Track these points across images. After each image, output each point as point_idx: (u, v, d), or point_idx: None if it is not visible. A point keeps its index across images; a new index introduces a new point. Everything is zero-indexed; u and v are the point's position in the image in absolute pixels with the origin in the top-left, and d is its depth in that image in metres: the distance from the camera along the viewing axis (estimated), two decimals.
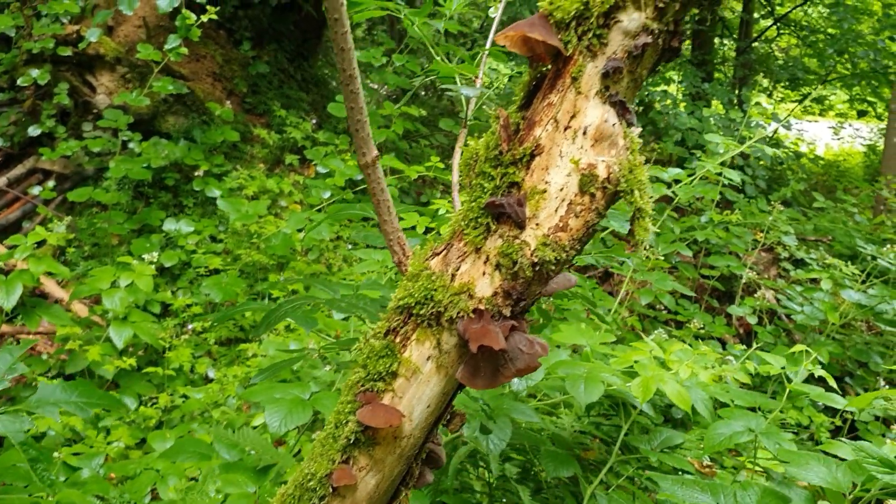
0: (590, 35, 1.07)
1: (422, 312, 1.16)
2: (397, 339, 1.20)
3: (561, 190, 1.10)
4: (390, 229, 1.25)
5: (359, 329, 3.08)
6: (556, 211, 1.10)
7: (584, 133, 1.09)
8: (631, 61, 1.08)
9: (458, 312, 1.13)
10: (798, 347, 2.85)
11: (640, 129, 1.12)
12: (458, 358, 1.17)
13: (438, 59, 1.62)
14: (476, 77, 1.61)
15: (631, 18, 1.05)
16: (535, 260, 1.10)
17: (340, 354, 2.70)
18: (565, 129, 1.10)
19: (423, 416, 1.21)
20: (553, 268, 1.11)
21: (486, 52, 1.63)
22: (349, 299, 1.58)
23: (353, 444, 1.23)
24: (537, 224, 1.10)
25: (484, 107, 1.80)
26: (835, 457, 2.29)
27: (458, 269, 1.15)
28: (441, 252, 1.19)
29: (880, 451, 1.49)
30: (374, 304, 1.55)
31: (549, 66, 1.14)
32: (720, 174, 4.42)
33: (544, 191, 1.10)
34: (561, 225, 1.10)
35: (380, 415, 1.15)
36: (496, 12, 1.69)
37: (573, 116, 1.09)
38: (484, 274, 1.13)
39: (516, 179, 1.12)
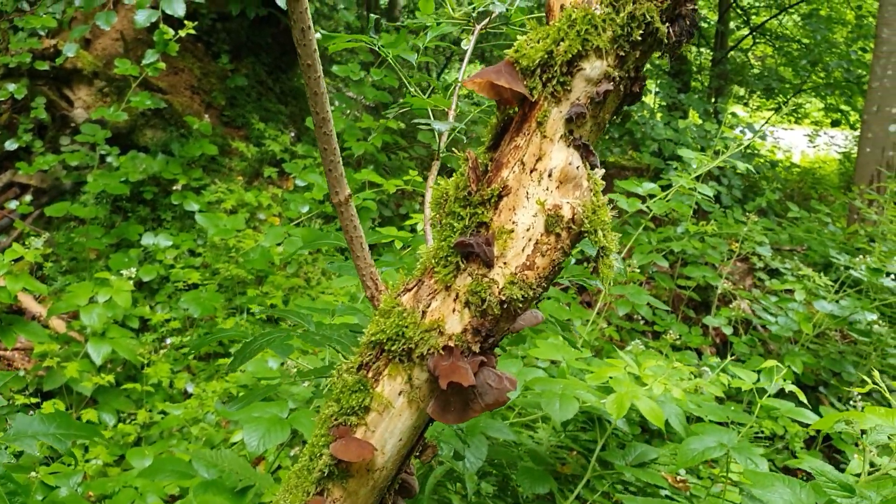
0: (554, 82, 1.11)
1: (393, 348, 1.19)
2: (370, 374, 1.23)
3: (528, 230, 1.13)
4: (363, 265, 1.28)
5: (334, 357, 3.11)
6: (523, 250, 1.13)
7: (550, 175, 1.13)
8: (594, 107, 1.12)
9: (429, 349, 1.16)
10: (770, 363, 2.90)
11: (602, 171, 1.16)
12: (429, 392, 1.20)
13: (413, 89, 1.66)
14: (449, 109, 1.65)
15: (593, 67, 1.09)
16: (503, 298, 1.13)
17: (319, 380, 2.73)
18: (531, 171, 1.13)
19: (395, 449, 1.24)
20: (520, 305, 1.15)
21: (459, 84, 1.67)
22: (323, 330, 1.61)
23: (327, 476, 1.26)
24: (505, 263, 1.14)
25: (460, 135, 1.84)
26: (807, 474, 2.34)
27: (428, 306, 1.19)
28: (412, 288, 1.23)
29: (839, 475, 1.53)
30: (348, 337, 1.58)
31: (517, 109, 1.18)
32: (694, 188, 4.48)
33: (512, 231, 1.14)
34: (528, 264, 1.13)
35: (353, 449, 1.18)
36: (468, 44, 1.73)
37: (539, 159, 1.13)
38: (454, 311, 1.17)
39: (485, 219, 1.15)
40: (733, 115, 11.45)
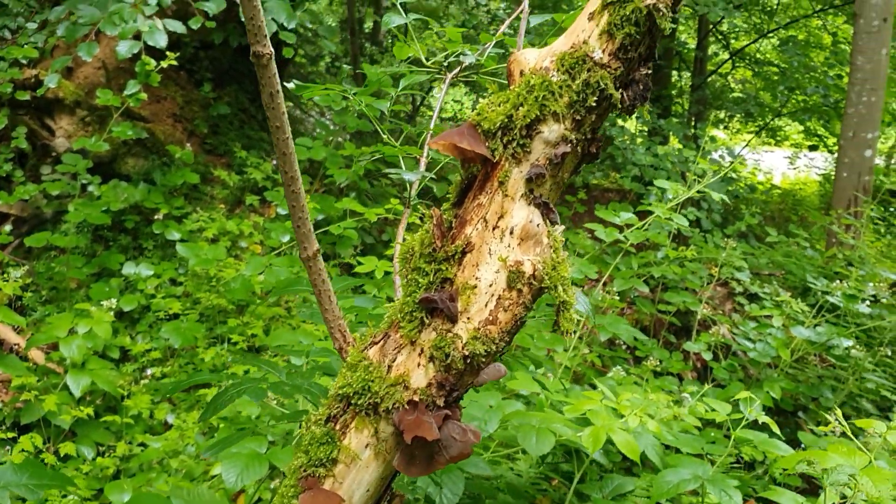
0: (514, 144, 1.15)
1: (360, 402, 1.22)
2: (337, 427, 1.26)
3: (490, 286, 1.17)
4: (331, 318, 1.31)
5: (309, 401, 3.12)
6: (486, 305, 1.17)
7: (511, 233, 1.16)
8: (552, 167, 1.16)
9: (394, 403, 1.19)
10: (744, 393, 2.94)
11: (563, 228, 1.20)
12: (395, 445, 1.23)
13: (385, 136, 1.70)
14: (420, 157, 1.69)
15: (551, 130, 1.13)
16: (467, 353, 1.17)
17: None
18: (494, 229, 1.17)
19: (362, 500, 1.26)
20: (484, 360, 1.18)
21: (430, 131, 1.71)
22: (294, 380, 1.63)
23: None
24: (468, 318, 1.17)
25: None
26: None
27: (394, 361, 1.22)
28: (379, 341, 1.26)
29: None
30: (317, 386, 1.61)
31: (480, 167, 1.22)
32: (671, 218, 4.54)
33: (475, 286, 1.17)
34: (491, 319, 1.17)
35: (320, 500, 1.20)
36: (440, 93, 1.77)
37: (501, 217, 1.17)
38: (419, 365, 1.20)
39: (449, 275, 1.19)
40: (712, 139, 11.58)
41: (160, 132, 6.63)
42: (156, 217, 5.89)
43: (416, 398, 1.19)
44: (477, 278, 1.17)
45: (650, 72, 1.16)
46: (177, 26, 5.37)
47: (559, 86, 1.13)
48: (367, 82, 3.68)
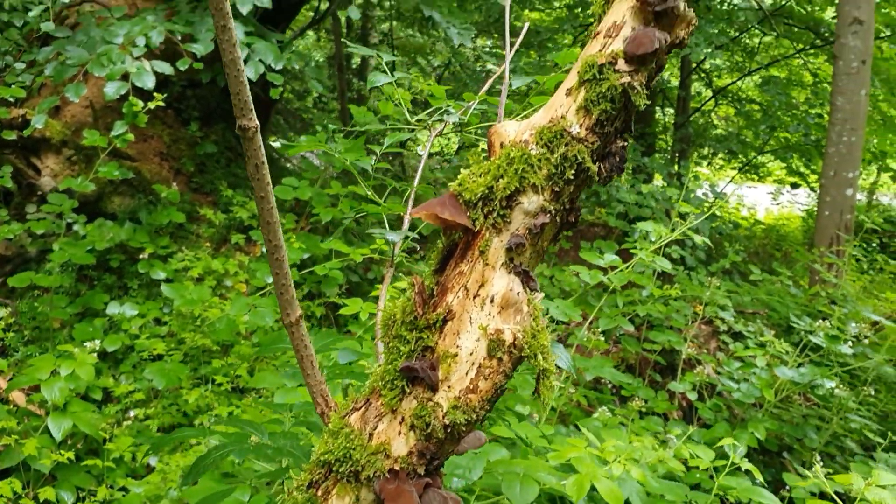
0: (495, 214, 1.17)
1: (341, 469, 1.23)
2: (319, 493, 1.27)
3: (471, 354, 1.19)
4: (314, 382, 1.32)
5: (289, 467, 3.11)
6: (466, 374, 1.18)
7: (492, 301, 1.18)
8: (532, 237, 1.18)
9: (375, 471, 1.20)
10: (727, 440, 2.95)
11: (542, 295, 1.22)
12: None
13: (369, 192, 1.72)
14: (404, 214, 1.72)
15: (530, 201, 1.16)
16: (447, 422, 1.18)
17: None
18: (475, 297, 1.19)
19: None
20: (464, 429, 1.19)
21: (414, 188, 1.74)
22: (277, 441, 1.63)
23: None
24: (449, 386, 1.19)
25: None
26: None
27: (375, 428, 1.23)
28: (360, 408, 1.27)
29: None
30: (300, 449, 1.61)
31: (461, 234, 1.24)
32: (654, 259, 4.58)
33: (456, 354, 1.19)
34: (471, 387, 1.18)
35: None
36: (424, 150, 1.80)
37: (482, 285, 1.19)
38: (399, 434, 1.21)
39: (430, 343, 1.20)
40: (696, 177, 11.69)
41: (147, 171, 6.64)
42: (141, 256, 5.89)
43: (396, 466, 1.20)
44: (458, 346, 1.19)
45: (626, 144, 1.20)
46: (165, 68, 5.41)
47: (538, 159, 1.16)
48: (354, 122, 3.70)
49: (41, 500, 4.01)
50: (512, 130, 1.22)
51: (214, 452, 1.60)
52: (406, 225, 1.73)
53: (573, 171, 1.16)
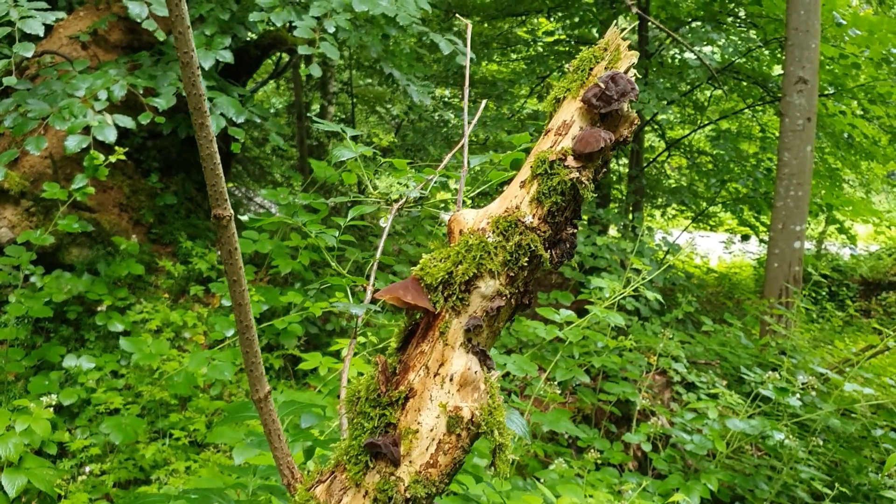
0: (454, 298, 1.26)
1: None
2: None
3: (431, 430, 1.26)
4: (280, 455, 1.38)
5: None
6: (426, 449, 1.26)
7: (451, 379, 1.26)
8: (489, 319, 1.27)
9: None
10: (678, 495, 3.04)
11: (498, 373, 1.30)
12: None
13: (334, 264, 1.80)
14: (367, 286, 1.79)
15: (487, 285, 1.25)
16: (409, 496, 1.25)
17: None
18: (435, 376, 1.27)
19: None
20: (424, 501, 1.26)
21: (376, 261, 1.82)
22: None
23: None
24: (410, 461, 1.26)
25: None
26: None
27: (339, 501, 1.29)
28: (326, 480, 1.33)
29: None
30: None
31: (422, 315, 1.32)
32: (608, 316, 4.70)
33: (417, 431, 1.26)
34: (431, 462, 1.26)
35: None
36: (386, 223, 1.89)
37: (441, 364, 1.27)
38: None
39: (392, 420, 1.28)
40: (650, 228, 11.94)
41: (106, 222, 6.63)
42: (99, 308, 5.86)
43: None
44: (419, 423, 1.26)
45: (576, 231, 1.29)
46: (127, 122, 5.45)
47: (494, 246, 1.25)
48: (314, 175, 3.78)
49: None
50: (470, 218, 1.32)
51: None
52: (368, 297, 1.80)
53: (527, 258, 1.26)
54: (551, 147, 1.29)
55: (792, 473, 5.27)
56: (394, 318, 6.73)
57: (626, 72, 1.27)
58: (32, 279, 5.71)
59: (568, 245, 1.29)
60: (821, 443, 5.41)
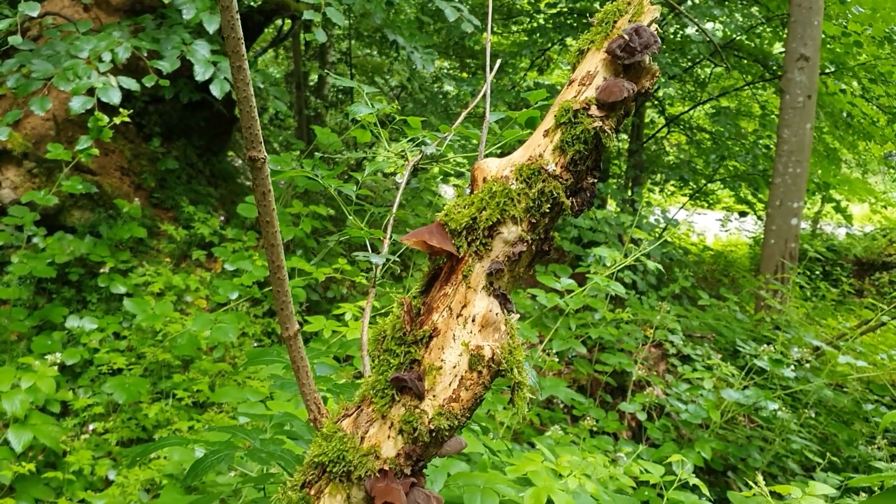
0: (477, 243, 1.31)
1: (334, 470, 1.35)
2: (312, 492, 1.38)
3: (454, 367, 1.32)
4: (308, 391, 1.43)
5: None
6: (449, 385, 1.31)
7: (473, 320, 1.32)
8: (510, 264, 1.32)
9: (366, 471, 1.32)
10: (676, 456, 3.11)
11: (517, 316, 1.35)
12: None
13: (351, 217, 1.85)
14: (384, 239, 1.84)
15: (510, 231, 1.30)
16: (432, 427, 1.31)
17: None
18: (458, 317, 1.32)
19: None
20: (447, 433, 1.33)
21: (392, 214, 1.86)
22: (268, 447, 1.74)
23: None
24: (434, 396, 1.32)
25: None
26: None
27: (366, 432, 1.35)
28: (352, 414, 1.39)
29: None
30: (289, 454, 1.72)
31: (445, 260, 1.37)
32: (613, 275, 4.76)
33: (440, 367, 1.32)
34: (454, 397, 1.31)
35: None
36: (402, 178, 1.93)
37: (464, 306, 1.32)
38: (389, 437, 1.34)
39: (417, 357, 1.34)
40: (648, 203, 12.00)
41: (108, 185, 6.66)
42: (101, 270, 5.90)
43: (385, 467, 1.32)
44: (442, 360, 1.32)
45: (596, 181, 1.34)
46: (131, 84, 5.46)
47: (517, 193, 1.30)
48: (317, 142, 3.82)
49: None
50: (493, 166, 1.37)
51: (211, 456, 1.69)
52: (386, 248, 1.85)
53: (549, 205, 1.31)
54: (575, 97, 1.34)
55: (783, 445, 5.36)
56: (396, 287, 6.78)
57: (648, 25, 1.31)
58: (35, 240, 5.74)
59: (588, 194, 1.34)
60: (813, 415, 5.50)
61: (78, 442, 4.72)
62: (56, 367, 4.67)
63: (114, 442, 4.88)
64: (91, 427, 4.88)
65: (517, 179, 1.32)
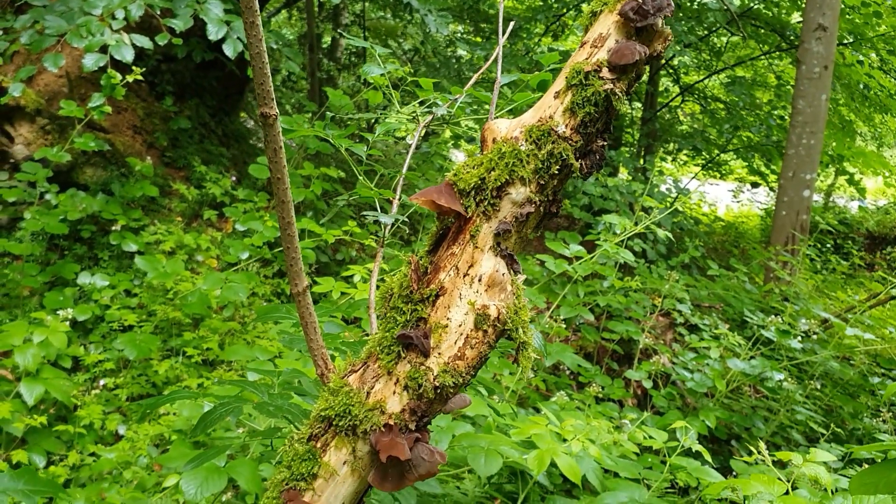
0: (485, 203, 1.32)
1: (341, 424, 1.37)
2: (318, 445, 1.41)
3: (460, 326, 1.33)
4: (315, 347, 1.45)
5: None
6: (455, 343, 1.33)
7: (480, 280, 1.33)
8: (518, 224, 1.33)
9: (372, 426, 1.35)
10: (679, 423, 3.14)
11: (524, 277, 1.36)
12: (369, 463, 1.38)
13: (362, 177, 1.85)
14: (394, 199, 1.85)
15: (518, 192, 1.31)
16: (437, 384, 1.33)
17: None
18: (464, 276, 1.34)
19: None
20: (452, 390, 1.34)
21: (402, 176, 1.87)
22: (276, 401, 1.77)
23: None
24: (439, 353, 1.33)
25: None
26: None
27: (372, 388, 1.37)
28: (359, 370, 1.41)
29: None
30: (297, 408, 1.75)
31: (453, 220, 1.38)
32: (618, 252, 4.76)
33: (446, 326, 1.34)
34: (459, 354, 1.33)
35: None
36: (412, 139, 1.93)
37: (471, 266, 1.33)
38: (394, 393, 1.36)
39: (423, 315, 1.35)
40: (660, 172, 11.94)
41: (120, 143, 6.67)
42: (113, 228, 5.94)
43: (390, 422, 1.35)
44: (448, 319, 1.34)
45: (605, 144, 1.35)
46: (144, 42, 5.44)
47: (527, 154, 1.31)
48: (329, 104, 3.81)
49: (14, 462, 4.09)
50: (503, 127, 1.37)
51: (220, 408, 1.72)
52: (395, 208, 1.86)
53: (558, 167, 1.31)
54: (587, 59, 1.33)
55: (788, 415, 5.38)
56: (405, 251, 6.80)
57: None
58: (47, 197, 5.78)
59: (598, 156, 1.34)
60: (818, 387, 5.51)
61: (89, 397, 4.79)
62: (68, 323, 4.73)
63: (124, 397, 4.95)
64: (102, 382, 4.95)
65: (527, 140, 1.32)
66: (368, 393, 1.38)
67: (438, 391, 1.34)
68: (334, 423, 1.38)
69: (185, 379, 4.97)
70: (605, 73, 1.30)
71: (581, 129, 1.32)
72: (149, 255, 5.66)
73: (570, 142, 1.31)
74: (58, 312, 4.77)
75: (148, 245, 5.99)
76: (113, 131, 6.75)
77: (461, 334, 1.34)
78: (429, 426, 1.40)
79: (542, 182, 1.32)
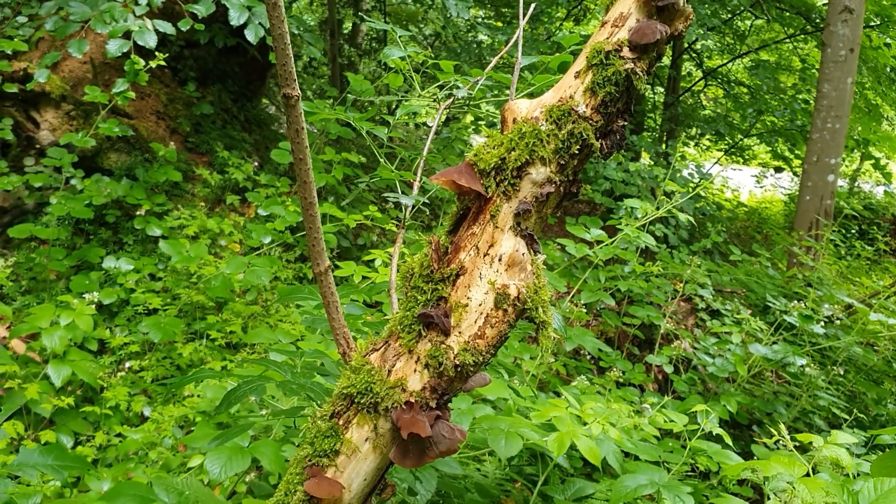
0: (506, 183, 1.33)
1: (362, 401, 1.39)
2: (340, 422, 1.43)
3: (480, 305, 1.35)
4: (337, 326, 1.47)
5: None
6: (475, 322, 1.34)
7: (500, 259, 1.34)
8: (538, 204, 1.34)
9: (393, 403, 1.37)
10: (700, 406, 3.14)
11: (544, 257, 1.37)
12: (391, 440, 1.40)
13: (383, 160, 1.87)
14: (414, 181, 1.86)
15: (538, 172, 1.31)
16: (457, 362, 1.34)
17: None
18: (485, 256, 1.35)
19: (360, 488, 1.43)
20: (472, 369, 1.36)
21: (423, 157, 1.88)
22: (299, 380, 1.79)
23: None
24: (460, 332, 1.35)
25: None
26: None
27: (393, 366, 1.39)
28: (380, 348, 1.43)
29: None
30: (319, 387, 1.77)
31: (474, 200, 1.39)
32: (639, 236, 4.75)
33: (466, 305, 1.35)
34: (479, 333, 1.34)
35: (324, 486, 1.37)
36: (433, 122, 1.94)
37: (491, 245, 1.35)
38: (415, 371, 1.37)
39: (444, 294, 1.36)
40: (683, 157, 11.86)
41: (143, 129, 6.73)
42: (137, 213, 5.99)
43: (411, 399, 1.36)
44: (468, 298, 1.35)
45: (626, 124, 1.35)
46: (166, 27, 5.48)
47: (547, 134, 1.31)
48: (350, 89, 3.82)
49: (42, 442, 4.16)
50: (524, 107, 1.38)
51: (244, 386, 1.75)
52: (416, 190, 1.87)
53: (578, 147, 1.32)
54: (607, 38, 1.34)
55: (810, 401, 5.35)
56: (426, 235, 6.81)
57: None
58: (73, 182, 5.84)
59: (618, 136, 1.35)
60: (842, 373, 5.47)
61: (114, 379, 4.85)
62: (93, 306, 4.79)
63: (149, 379, 5.01)
64: (127, 365, 5.01)
65: (547, 120, 1.33)
66: (390, 371, 1.40)
67: (459, 369, 1.35)
68: (356, 400, 1.40)
69: (209, 361, 5.02)
70: (626, 52, 1.30)
71: (601, 108, 1.32)
72: (172, 239, 5.72)
73: (590, 122, 1.31)
74: (84, 296, 4.83)
75: (172, 230, 6.05)
76: (137, 117, 6.80)
77: (481, 313, 1.35)
78: (449, 405, 1.42)
79: (563, 162, 1.32)
